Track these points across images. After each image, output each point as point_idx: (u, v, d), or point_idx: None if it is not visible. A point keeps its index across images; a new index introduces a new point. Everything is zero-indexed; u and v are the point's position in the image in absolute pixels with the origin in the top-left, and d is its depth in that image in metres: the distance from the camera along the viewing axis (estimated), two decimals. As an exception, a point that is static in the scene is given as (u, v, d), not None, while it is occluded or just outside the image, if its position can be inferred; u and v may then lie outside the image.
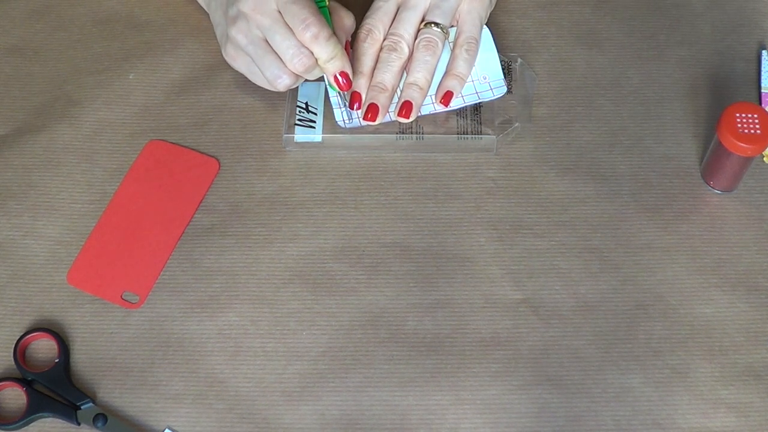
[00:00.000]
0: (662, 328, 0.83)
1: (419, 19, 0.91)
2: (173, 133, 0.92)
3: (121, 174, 0.90)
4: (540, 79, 0.95)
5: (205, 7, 0.95)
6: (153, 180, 0.90)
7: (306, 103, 0.92)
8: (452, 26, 0.92)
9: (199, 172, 0.90)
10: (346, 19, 0.89)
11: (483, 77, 0.92)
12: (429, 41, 0.90)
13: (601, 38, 0.98)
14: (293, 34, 0.85)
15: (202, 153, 0.91)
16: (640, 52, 0.97)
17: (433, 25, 0.90)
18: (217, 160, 0.91)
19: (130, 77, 0.95)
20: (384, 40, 0.91)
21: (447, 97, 0.90)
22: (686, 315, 0.83)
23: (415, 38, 0.90)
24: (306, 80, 0.89)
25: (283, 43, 0.85)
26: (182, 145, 0.92)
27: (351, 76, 0.88)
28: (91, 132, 0.92)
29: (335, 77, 0.87)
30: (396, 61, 0.90)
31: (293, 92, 0.93)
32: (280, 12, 0.85)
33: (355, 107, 0.90)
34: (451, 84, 0.90)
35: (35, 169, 0.90)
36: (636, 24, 0.99)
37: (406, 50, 0.90)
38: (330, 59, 0.86)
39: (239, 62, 0.89)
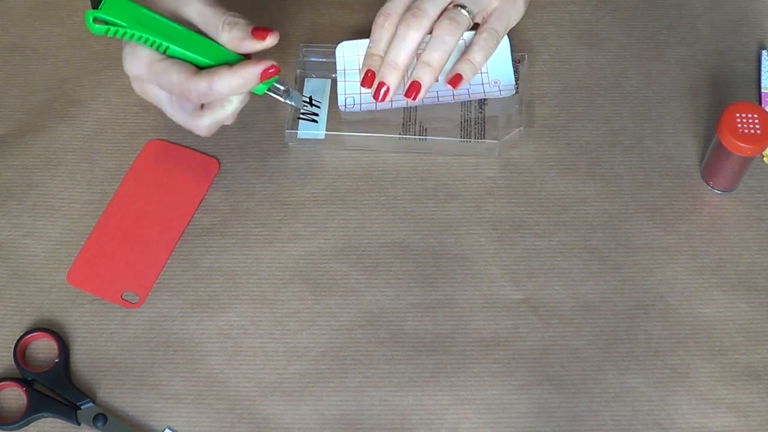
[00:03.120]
0: (662, 328, 0.83)
1: (449, 0, 0.87)
2: (173, 133, 0.92)
3: (121, 174, 0.90)
4: (540, 79, 0.95)
5: None
6: (153, 180, 0.90)
7: (310, 97, 0.92)
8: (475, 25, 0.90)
9: (199, 172, 0.90)
10: (229, 31, 0.80)
11: (494, 81, 0.91)
12: (452, 20, 0.86)
13: (601, 38, 0.98)
14: (177, 107, 0.81)
15: (202, 153, 0.91)
16: (640, 52, 0.97)
17: (461, 7, 0.87)
18: (217, 160, 0.91)
19: (130, 77, 0.95)
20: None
21: (456, 80, 0.87)
22: (686, 315, 0.83)
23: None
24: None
25: (176, 118, 0.82)
26: (182, 145, 0.92)
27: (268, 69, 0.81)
28: (91, 132, 0.92)
29: (262, 77, 0.81)
30: (413, 38, 0.86)
31: (299, 87, 0.93)
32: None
33: (368, 86, 0.88)
34: (463, 68, 0.88)
35: (35, 169, 0.90)
36: (636, 24, 0.99)
37: (426, 26, 0.86)
38: (236, 87, 0.79)
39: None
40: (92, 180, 0.90)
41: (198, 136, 0.91)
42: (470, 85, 0.91)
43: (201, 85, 0.78)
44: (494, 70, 0.92)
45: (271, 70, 0.80)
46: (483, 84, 0.91)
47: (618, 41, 0.98)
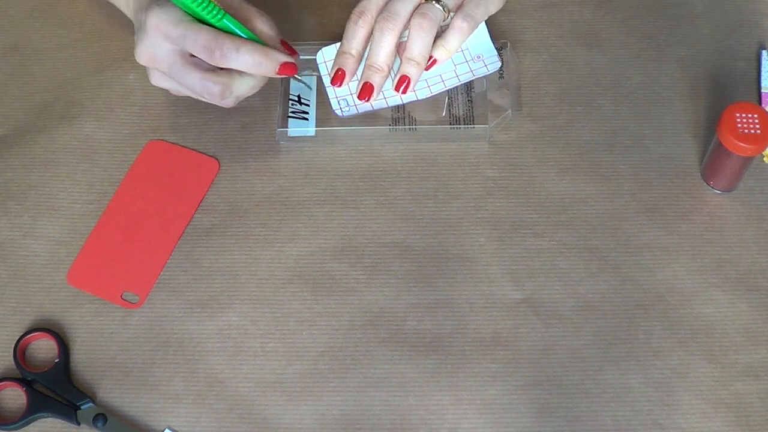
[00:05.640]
0: (662, 328, 0.83)
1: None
2: (173, 133, 0.92)
3: (121, 174, 0.90)
4: (540, 79, 0.95)
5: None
6: (153, 180, 0.90)
7: (299, 96, 0.93)
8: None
9: (199, 172, 0.90)
10: (262, 25, 0.86)
11: (477, 56, 0.91)
12: (424, 16, 0.86)
13: (601, 38, 0.98)
14: (194, 67, 0.84)
15: (202, 153, 0.91)
16: (640, 52, 0.97)
17: (434, 1, 0.87)
18: (217, 160, 0.91)
19: (130, 77, 0.95)
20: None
21: (430, 64, 0.88)
22: (686, 315, 0.83)
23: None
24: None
25: (188, 81, 0.84)
26: (182, 145, 0.92)
27: (295, 61, 0.86)
28: (91, 132, 0.92)
29: (281, 69, 0.85)
30: (388, 42, 0.87)
31: (285, 88, 0.93)
32: (177, 50, 0.83)
33: (337, 84, 0.89)
34: (437, 53, 0.88)
35: (35, 169, 0.90)
36: (636, 24, 0.99)
37: (400, 27, 0.87)
38: (257, 64, 0.84)
39: (168, 85, 0.88)
40: (92, 180, 0.90)
41: (201, 134, 0.91)
42: (455, 65, 0.90)
43: (232, 44, 0.82)
44: (474, 47, 0.91)
45: (290, 70, 0.85)
46: (467, 62, 0.91)
47: (618, 41, 0.98)
